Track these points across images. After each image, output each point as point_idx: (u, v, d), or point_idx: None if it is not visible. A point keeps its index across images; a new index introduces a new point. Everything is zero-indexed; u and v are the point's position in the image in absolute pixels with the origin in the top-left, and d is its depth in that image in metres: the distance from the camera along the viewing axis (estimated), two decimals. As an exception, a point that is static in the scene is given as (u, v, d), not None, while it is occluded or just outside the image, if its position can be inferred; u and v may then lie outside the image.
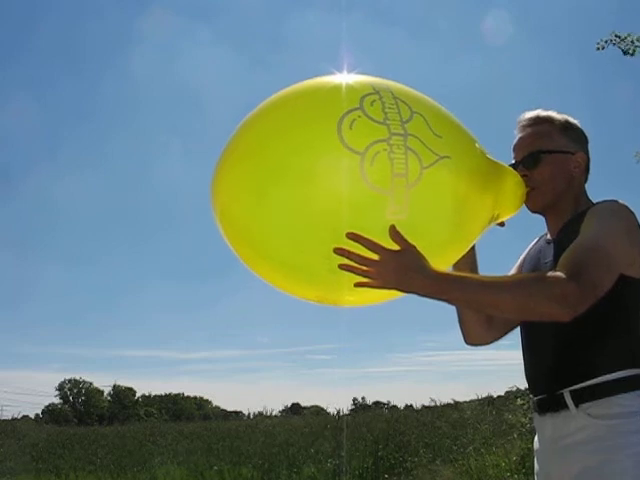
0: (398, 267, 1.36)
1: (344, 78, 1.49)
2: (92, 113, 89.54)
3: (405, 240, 1.38)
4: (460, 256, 1.64)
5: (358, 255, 1.36)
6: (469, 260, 1.74)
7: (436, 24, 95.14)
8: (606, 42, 8.27)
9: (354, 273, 1.37)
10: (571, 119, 1.74)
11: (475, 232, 1.61)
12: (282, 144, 1.40)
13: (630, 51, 8.17)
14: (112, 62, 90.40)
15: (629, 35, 8.22)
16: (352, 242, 1.36)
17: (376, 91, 1.43)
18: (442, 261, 1.53)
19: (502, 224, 1.72)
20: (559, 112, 1.74)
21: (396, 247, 1.37)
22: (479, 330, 1.79)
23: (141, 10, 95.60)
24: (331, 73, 1.52)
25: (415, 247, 1.38)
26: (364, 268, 1.37)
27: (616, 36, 8.17)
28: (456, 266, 1.67)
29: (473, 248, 1.75)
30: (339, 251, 1.36)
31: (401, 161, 1.37)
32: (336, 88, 1.45)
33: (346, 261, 1.37)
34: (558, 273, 1.40)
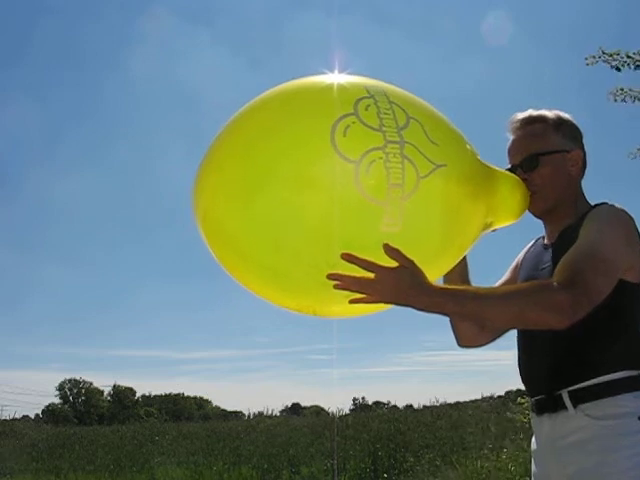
0: (396, 284, 1.33)
1: (336, 79, 1.41)
2: (92, 114, 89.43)
3: (403, 256, 1.34)
4: (452, 266, 1.60)
5: (353, 278, 1.31)
6: (460, 269, 1.71)
7: (436, 25, 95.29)
8: (593, 57, 8.33)
9: (350, 291, 1.34)
10: (563, 114, 1.71)
11: (468, 242, 1.57)
12: (270, 146, 1.32)
13: (619, 66, 8.23)
14: (112, 63, 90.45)
15: (618, 51, 8.30)
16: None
17: (371, 95, 1.36)
18: (434, 272, 1.49)
19: (494, 229, 1.67)
20: (550, 109, 1.71)
21: (391, 262, 1.33)
22: (471, 333, 1.78)
23: (141, 12, 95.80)
24: (323, 73, 1.44)
25: (413, 262, 1.34)
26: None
27: (603, 52, 8.26)
28: (447, 275, 1.65)
29: (464, 257, 1.71)
30: (332, 276, 1.31)
31: (398, 171, 1.31)
32: (329, 90, 1.38)
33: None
34: (553, 281, 1.40)
